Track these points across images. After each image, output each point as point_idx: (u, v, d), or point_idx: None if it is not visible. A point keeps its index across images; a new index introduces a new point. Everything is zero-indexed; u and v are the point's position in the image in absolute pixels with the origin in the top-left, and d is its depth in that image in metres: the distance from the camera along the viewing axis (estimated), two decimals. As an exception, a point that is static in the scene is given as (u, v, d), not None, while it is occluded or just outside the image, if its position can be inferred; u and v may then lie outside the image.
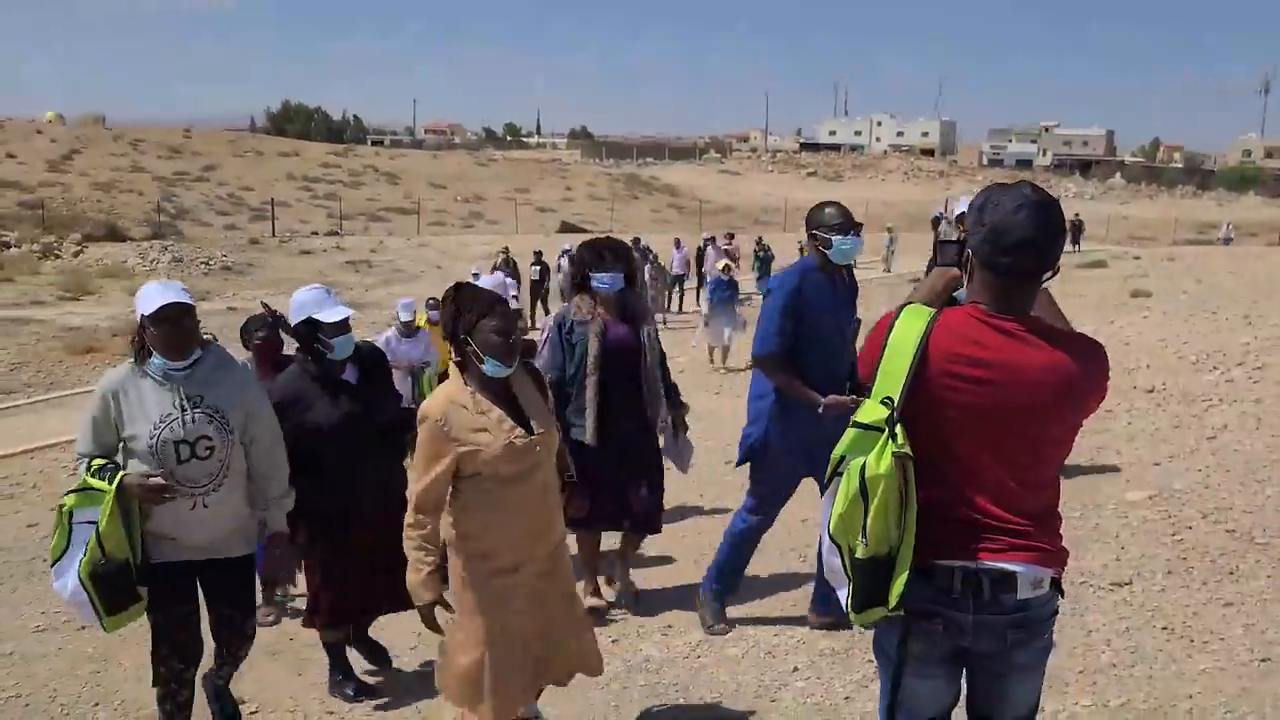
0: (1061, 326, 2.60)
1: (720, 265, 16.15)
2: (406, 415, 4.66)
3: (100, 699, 4.82)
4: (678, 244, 25.05)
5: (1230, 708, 4.14)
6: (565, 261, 20.22)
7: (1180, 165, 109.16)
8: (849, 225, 4.81)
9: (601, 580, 5.72)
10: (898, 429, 2.42)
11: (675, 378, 5.83)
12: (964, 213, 5.11)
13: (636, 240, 25.08)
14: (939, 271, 2.90)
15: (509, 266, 20.88)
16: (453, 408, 3.59)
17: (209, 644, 4.06)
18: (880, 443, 2.41)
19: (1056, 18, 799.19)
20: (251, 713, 4.64)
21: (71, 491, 3.62)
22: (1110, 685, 4.38)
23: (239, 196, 47.44)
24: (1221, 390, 9.95)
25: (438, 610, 3.65)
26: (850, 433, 2.49)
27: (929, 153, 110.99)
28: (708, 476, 8.14)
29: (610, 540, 5.82)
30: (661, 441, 5.63)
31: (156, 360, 3.65)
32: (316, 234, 40.74)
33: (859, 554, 2.45)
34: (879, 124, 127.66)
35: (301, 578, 4.98)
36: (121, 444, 3.70)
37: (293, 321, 4.56)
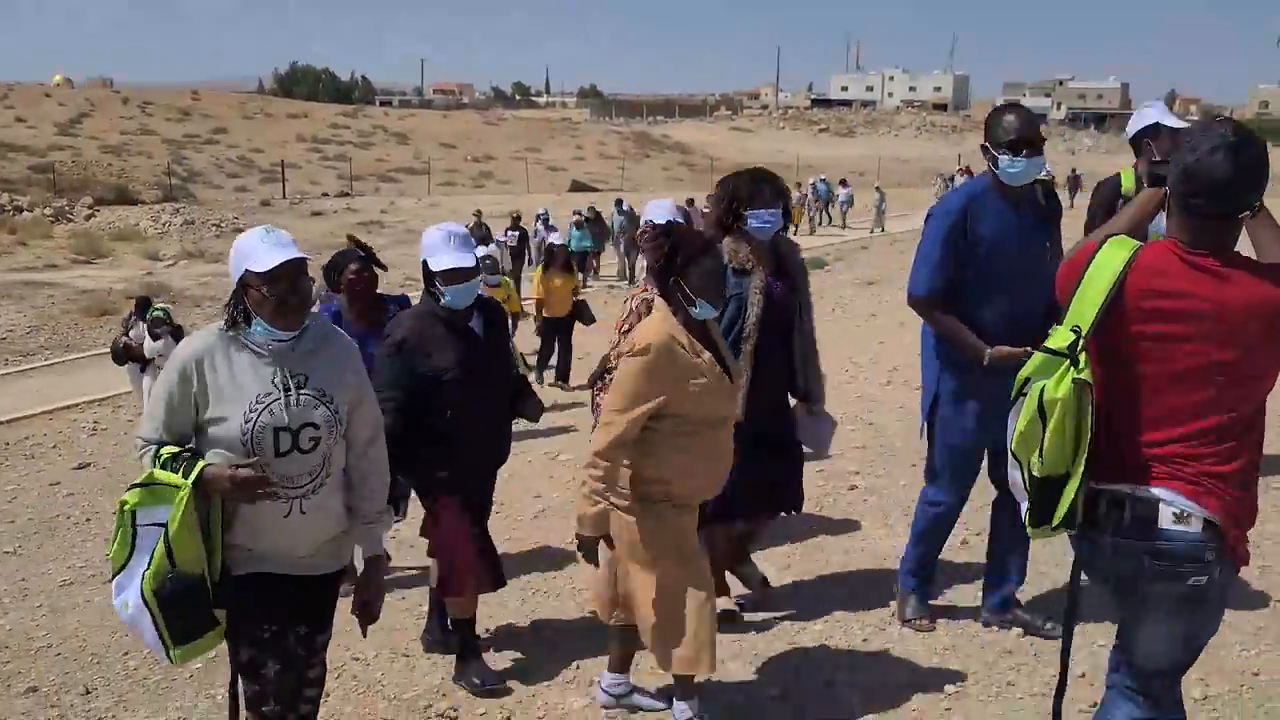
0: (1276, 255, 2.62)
1: None
2: (522, 381, 4.51)
3: (129, 648, 4.87)
4: (690, 203, 24.81)
5: (1244, 649, 4.20)
6: (541, 225, 19.57)
7: (1197, 117, 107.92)
8: (1023, 143, 3.93)
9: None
10: (1081, 356, 2.51)
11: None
12: (1159, 128, 4.87)
13: (619, 202, 24.73)
14: (1149, 193, 2.85)
15: (481, 229, 19.15)
16: (671, 343, 3.47)
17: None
18: (1062, 368, 2.51)
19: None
20: None
21: (135, 486, 2.88)
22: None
23: (249, 159, 47.44)
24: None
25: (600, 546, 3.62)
26: (1037, 356, 2.60)
27: (941, 107, 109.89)
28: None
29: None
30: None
31: (259, 328, 2.94)
32: (327, 195, 40.77)
33: (1035, 472, 2.59)
34: (891, 79, 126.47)
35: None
36: (198, 430, 2.97)
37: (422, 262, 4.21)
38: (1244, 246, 2.55)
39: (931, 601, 4.71)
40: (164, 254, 25.64)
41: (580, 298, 11.63)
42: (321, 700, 3.31)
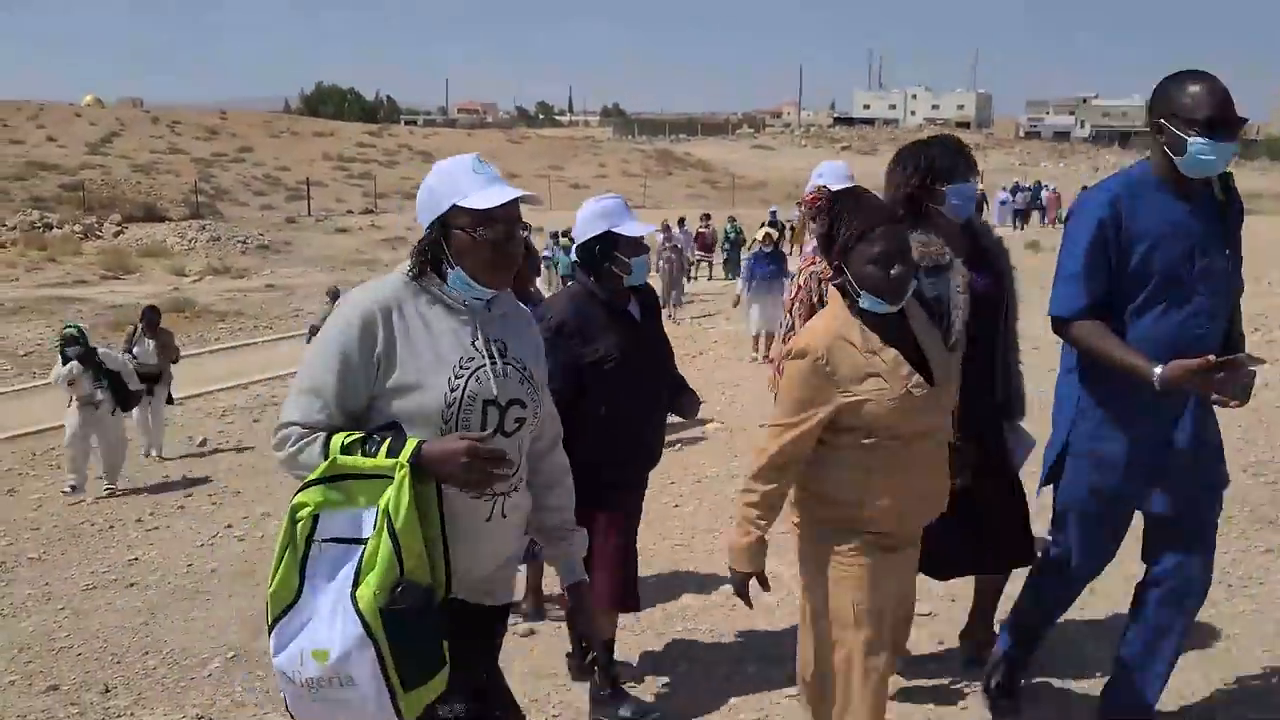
0: None
1: (760, 234, 13.74)
2: (680, 379, 4.12)
3: (149, 648, 4.93)
4: (681, 223, 24.45)
5: (1267, 646, 4.20)
6: (551, 241, 19.39)
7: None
8: (1219, 122, 2.94)
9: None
10: None
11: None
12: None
13: (555, 235, 23.81)
14: None
15: None
16: (838, 344, 2.79)
17: None
18: None
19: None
20: None
21: (310, 484, 2.12)
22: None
23: (275, 176, 47.85)
24: (1262, 351, 9.94)
25: (752, 583, 2.93)
26: None
27: (964, 125, 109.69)
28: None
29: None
30: None
31: (459, 278, 2.29)
32: (352, 212, 41.03)
33: None
34: (914, 97, 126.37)
35: None
36: (372, 403, 2.24)
37: (583, 236, 3.77)
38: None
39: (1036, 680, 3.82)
40: (190, 269, 25.97)
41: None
42: None
